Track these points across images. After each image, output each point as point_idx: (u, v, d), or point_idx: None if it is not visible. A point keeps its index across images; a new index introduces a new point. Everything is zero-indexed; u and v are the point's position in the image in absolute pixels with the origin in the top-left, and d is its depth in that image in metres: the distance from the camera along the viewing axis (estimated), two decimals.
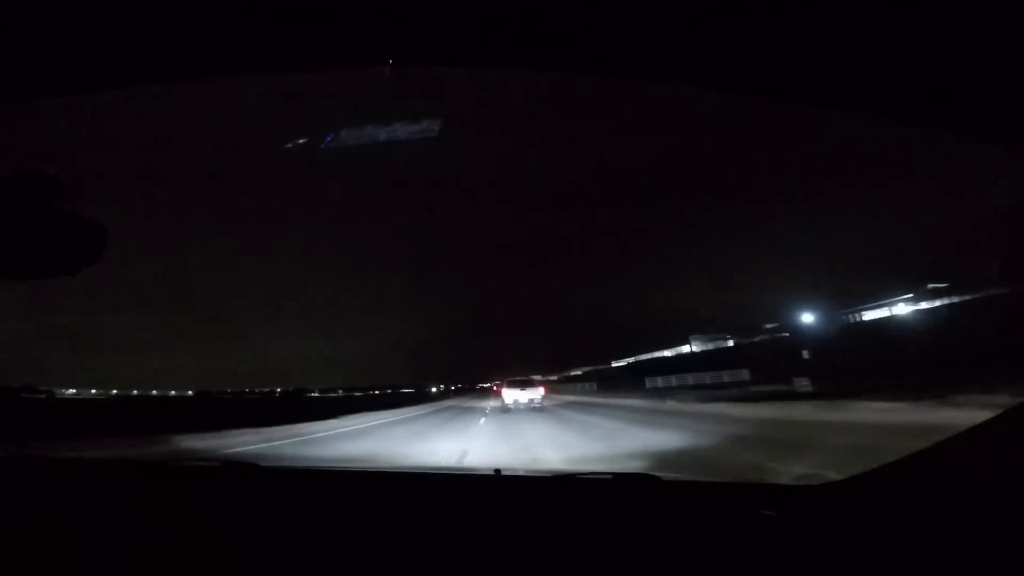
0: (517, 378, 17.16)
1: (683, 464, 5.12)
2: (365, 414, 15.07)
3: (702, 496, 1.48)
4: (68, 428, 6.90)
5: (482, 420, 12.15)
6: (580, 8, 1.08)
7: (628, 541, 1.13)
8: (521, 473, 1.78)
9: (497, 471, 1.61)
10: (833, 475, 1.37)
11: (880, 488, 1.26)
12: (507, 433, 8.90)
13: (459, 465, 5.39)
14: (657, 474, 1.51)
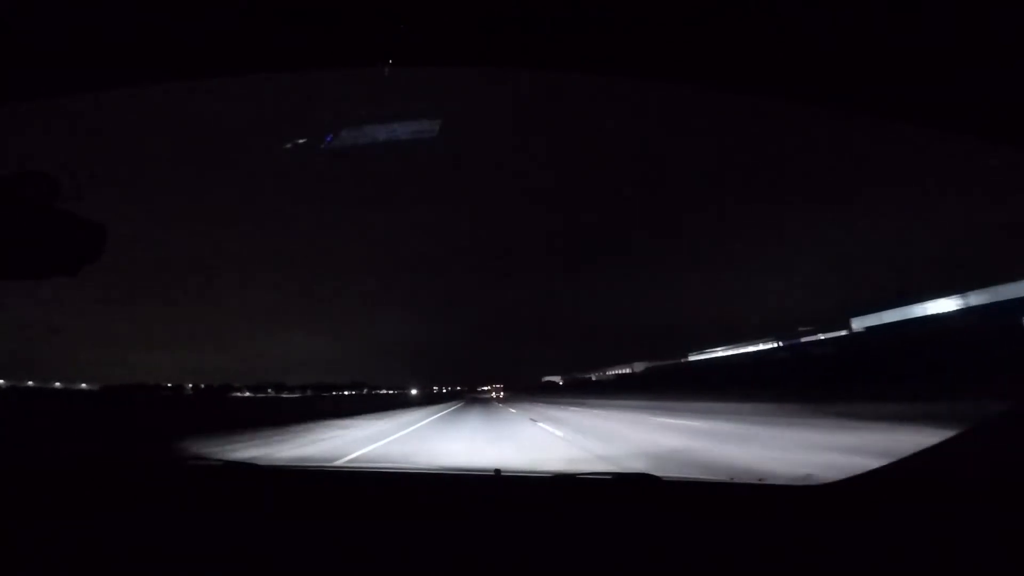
0: None
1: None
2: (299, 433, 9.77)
3: (702, 496, 1.48)
4: None
5: None
6: (581, 8, 1.08)
7: (628, 541, 1.13)
8: (521, 473, 1.78)
9: (497, 471, 1.61)
10: (833, 476, 1.37)
11: (879, 488, 1.26)
12: None
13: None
14: (657, 474, 1.51)
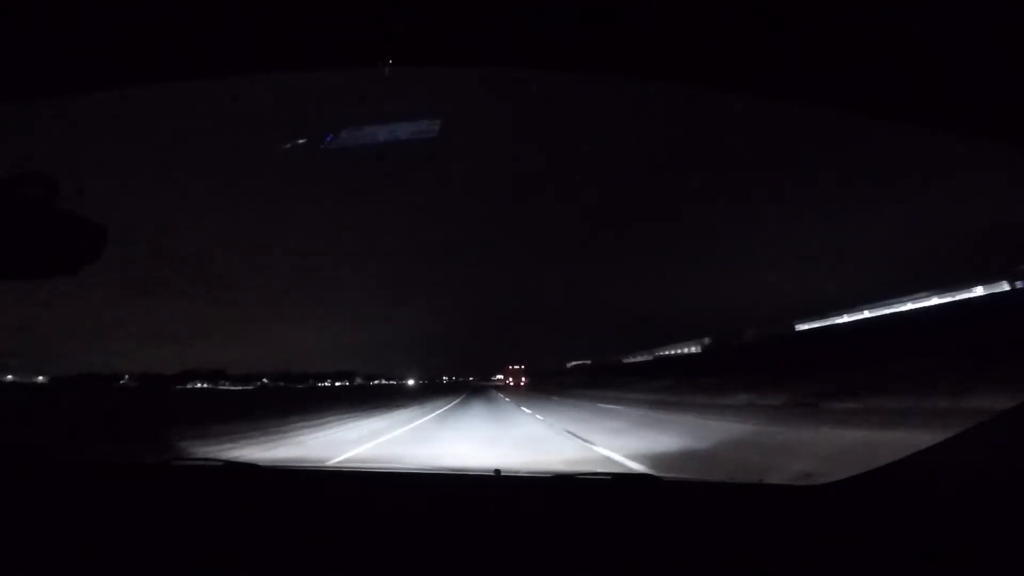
0: None
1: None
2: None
3: (702, 496, 1.48)
4: None
5: None
6: (581, 8, 1.08)
7: (628, 541, 1.13)
8: (521, 473, 1.78)
9: (497, 471, 1.61)
10: (833, 475, 1.36)
11: (880, 488, 1.26)
12: None
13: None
14: (657, 474, 1.51)
